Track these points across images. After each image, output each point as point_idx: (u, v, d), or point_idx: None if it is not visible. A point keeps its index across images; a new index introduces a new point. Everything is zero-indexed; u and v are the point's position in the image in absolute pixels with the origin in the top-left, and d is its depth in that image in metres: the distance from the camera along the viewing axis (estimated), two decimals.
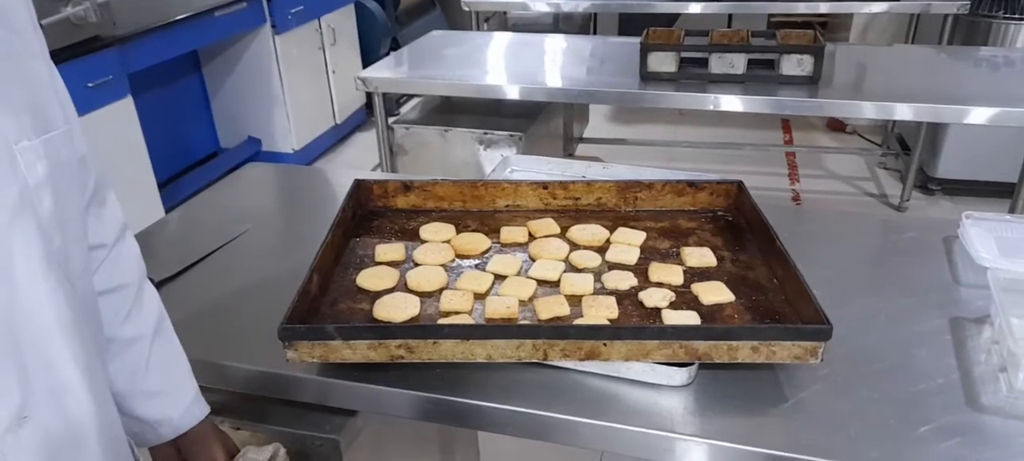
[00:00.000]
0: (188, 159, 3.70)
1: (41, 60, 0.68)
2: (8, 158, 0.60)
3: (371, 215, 1.30)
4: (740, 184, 1.27)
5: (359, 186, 1.30)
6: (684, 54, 2.38)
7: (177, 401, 0.89)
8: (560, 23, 4.43)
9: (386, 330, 0.94)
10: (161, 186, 3.09)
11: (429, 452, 1.47)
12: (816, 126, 4.42)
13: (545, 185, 1.31)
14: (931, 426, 0.87)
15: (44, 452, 0.62)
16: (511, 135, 2.61)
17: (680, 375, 0.94)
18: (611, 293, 1.07)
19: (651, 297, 1.04)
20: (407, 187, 1.31)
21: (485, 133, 2.63)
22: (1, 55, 0.62)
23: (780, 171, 3.91)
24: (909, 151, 3.45)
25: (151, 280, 1.20)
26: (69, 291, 0.66)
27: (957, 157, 3.39)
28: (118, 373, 0.84)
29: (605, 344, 0.91)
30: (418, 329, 0.97)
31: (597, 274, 1.11)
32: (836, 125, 4.32)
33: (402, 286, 1.09)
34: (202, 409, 0.91)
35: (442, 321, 1.00)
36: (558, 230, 1.24)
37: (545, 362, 0.96)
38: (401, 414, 1.01)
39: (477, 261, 1.16)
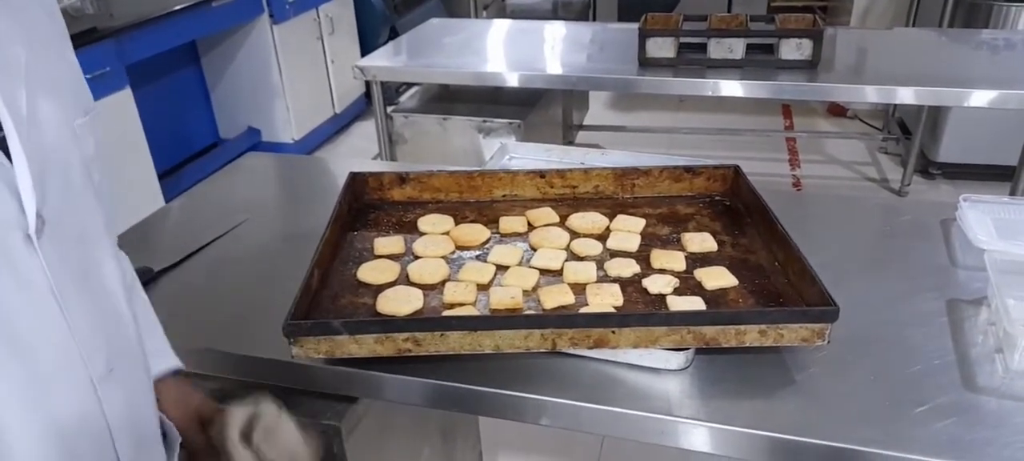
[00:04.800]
0: (188, 150, 3.70)
1: (70, 46, 0.72)
2: (70, 134, 0.64)
3: (368, 208, 1.30)
4: (737, 168, 1.27)
5: (354, 179, 1.29)
6: (682, 39, 2.37)
7: (155, 342, 0.87)
8: (559, 10, 4.41)
9: (393, 324, 0.94)
10: (161, 177, 3.10)
11: (430, 438, 1.48)
12: (817, 111, 4.41)
13: (542, 174, 1.31)
14: (927, 407, 0.88)
15: (127, 401, 0.67)
16: (510, 123, 2.61)
17: (677, 359, 0.94)
18: (614, 280, 1.07)
19: (655, 283, 1.04)
20: (403, 179, 1.31)
21: (484, 121, 2.63)
22: (46, 40, 0.66)
23: (781, 157, 3.91)
24: (910, 135, 3.45)
25: (151, 270, 1.22)
26: (115, 253, 0.71)
27: (958, 141, 3.38)
28: None
29: (613, 331, 0.91)
30: (426, 322, 0.96)
31: (599, 262, 1.12)
32: (837, 110, 4.31)
33: (404, 279, 1.09)
34: (172, 362, 0.88)
35: (447, 313, 1.00)
36: (557, 219, 1.24)
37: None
38: (403, 400, 1.01)
39: (478, 252, 1.16)
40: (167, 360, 0.88)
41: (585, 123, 3.94)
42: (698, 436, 0.89)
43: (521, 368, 0.98)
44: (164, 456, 0.78)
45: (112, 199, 0.77)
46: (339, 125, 4.32)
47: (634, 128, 4.13)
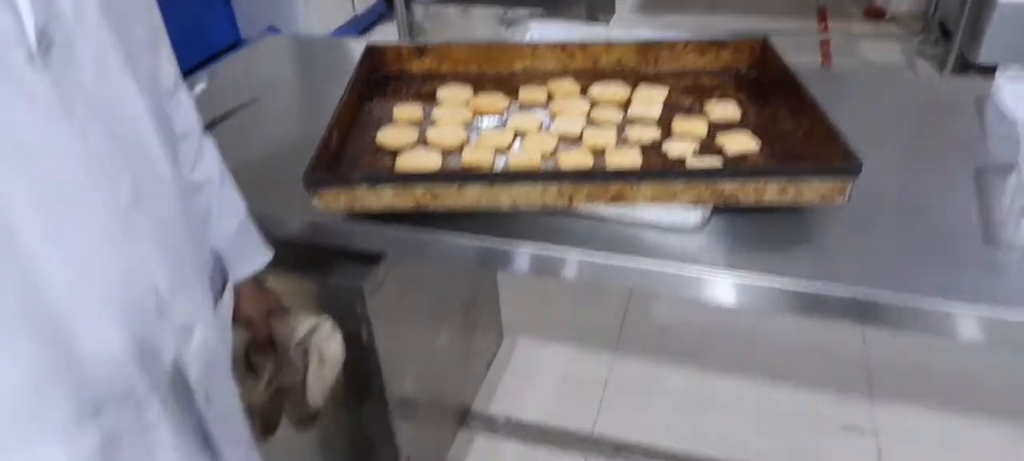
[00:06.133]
0: (209, 50, 3.68)
1: None
2: None
3: (386, 79, 1.28)
4: (765, 40, 1.23)
5: (371, 52, 1.27)
6: None
7: (246, 242, 0.92)
8: None
9: (411, 177, 0.94)
10: (183, 77, 3.10)
11: (451, 303, 1.51)
12: (853, 15, 4.24)
13: (563, 46, 1.28)
14: (948, 259, 0.87)
15: (158, 231, 0.66)
16: (532, 12, 2.54)
17: (694, 216, 0.94)
18: (634, 145, 1.06)
19: (675, 147, 1.03)
20: (421, 51, 1.29)
21: (506, 11, 2.57)
22: None
23: (814, 60, 3.78)
24: (950, 35, 3.31)
25: None
26: (142, 92, 0.68)
27: (999, 41, 3.23)
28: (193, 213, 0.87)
29: (631, 186, 0.90)
30: (444, 175, 0.96)
31: (619, 128, 1.10)
32: (874, 12, 4.14)
33: (422, 142, 1.09)
34: (265, 255, 0.95)
35: None
36: (578, 90, 1.22)
37: (559, 208, 0.96)
38: (426, 256, 1.02)
39: (497, 119, 1.15)
40: (261, 256, 0.94)
41: (609, 27, 3.83)
42: (720, 288, 0.90)
43: (537, 229, 0.98)
44: (209, 294, 0.78)
45: (156, 50, 0.76)
46: (360, 26, 4.26)
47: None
